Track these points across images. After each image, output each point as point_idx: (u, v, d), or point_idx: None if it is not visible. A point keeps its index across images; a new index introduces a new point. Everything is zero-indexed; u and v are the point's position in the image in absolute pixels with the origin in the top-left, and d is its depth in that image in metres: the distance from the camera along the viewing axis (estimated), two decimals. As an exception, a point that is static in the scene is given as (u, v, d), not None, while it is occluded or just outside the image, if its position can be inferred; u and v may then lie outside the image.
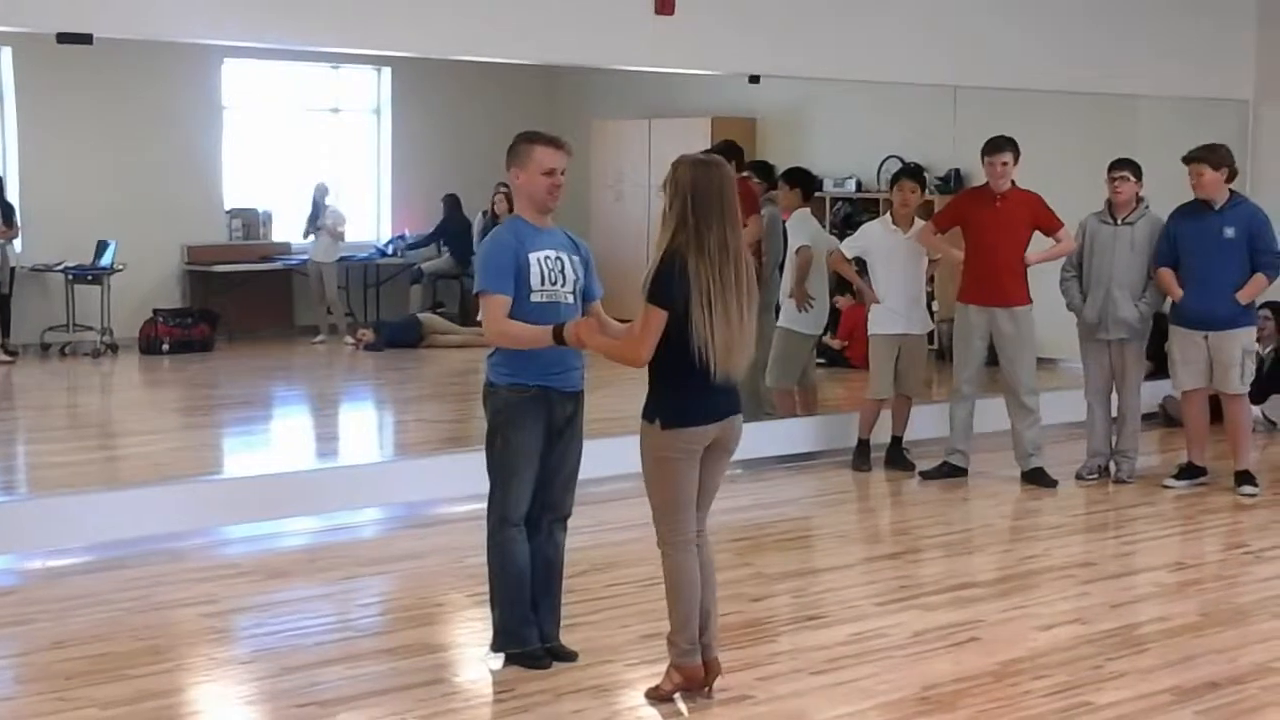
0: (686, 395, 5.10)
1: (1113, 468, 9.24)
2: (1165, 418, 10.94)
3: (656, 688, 5.28)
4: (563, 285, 5.51)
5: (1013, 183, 9.00)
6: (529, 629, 5.62)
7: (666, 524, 5.22)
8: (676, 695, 5.25)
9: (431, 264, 15.78)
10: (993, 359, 9.25)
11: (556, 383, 5.50)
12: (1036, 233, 9.08)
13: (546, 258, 5.48)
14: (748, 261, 5.16)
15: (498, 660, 5.63)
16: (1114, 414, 9.24)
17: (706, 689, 5.28)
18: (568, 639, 5.75)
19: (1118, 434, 9.22)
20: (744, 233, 9.28)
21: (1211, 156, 8.74)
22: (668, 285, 5.02)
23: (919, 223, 9.31)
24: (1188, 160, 8.76)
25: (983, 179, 9.18)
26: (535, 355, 5.42)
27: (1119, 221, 8.97)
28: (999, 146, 8.97)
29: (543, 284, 5.46)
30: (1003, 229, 8.94)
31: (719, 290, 5.01)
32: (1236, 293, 8.66)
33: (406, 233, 16.13)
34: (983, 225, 8.97)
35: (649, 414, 5.15)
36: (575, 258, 5.59)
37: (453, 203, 15.73)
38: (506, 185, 15.82)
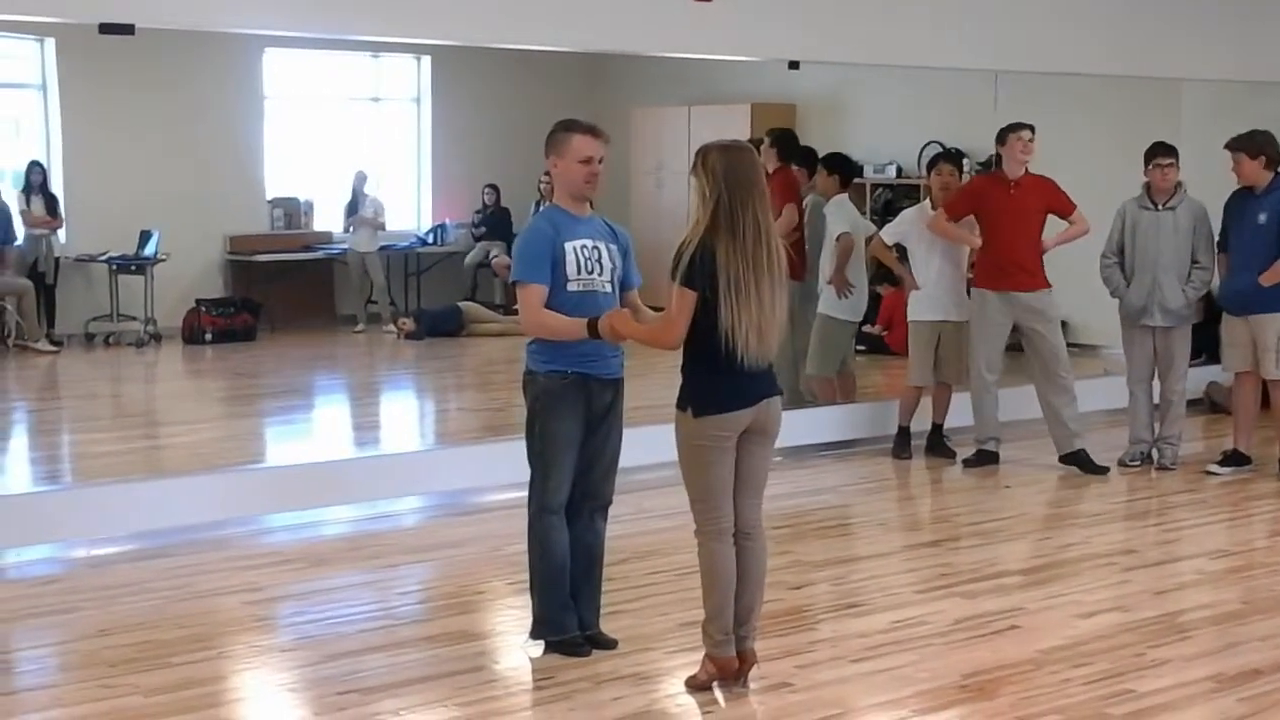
0: (718, 381, 5.08)
1: (1156, 454, 9.19)
2: (1210, 404, 10.88)
3: (693, 677, 5.29)
4: (600, 274, 5.50)
5: (1026, 169, 8.97)
6: (568, 617, 5.63)
7: (701, 512, 5.22)
8: (714, 684, 5.25)
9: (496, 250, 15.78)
10: (1011, 346, 9.23)
11: (594, 369, 5.49)
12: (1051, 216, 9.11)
13: (583, 246, 5.47)
14: (779, 243, 5.13)
15: (537, 648, 5.65)
16: (1156, 400, 9.20)
17: (742, 679, 5.28)
18: (608, 626, 5.76)
19: (1161, 420, 9.17)
20: (780, 221, 9.43)
21: (1248, 144, 8.73)
22: (695, 269, 5.00)
23: (932, 211, 9.27)
24: (1228, 148, 8.74)
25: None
26: (572, 342, 5.42)
27: (1160, 207, 8.93)
28: (1021, 124, 8.97)
29: (579, 273, 5.45)
30: (1019, 215, 8.92)
31: (750, 274, 4.99)
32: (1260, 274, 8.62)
33: (448, 221, 16.17)
34: (998, 212, 8.94)
35: (682, 402, 5.15)
36: (613, 246, 5.58)
37: (494, 191, 15.81)
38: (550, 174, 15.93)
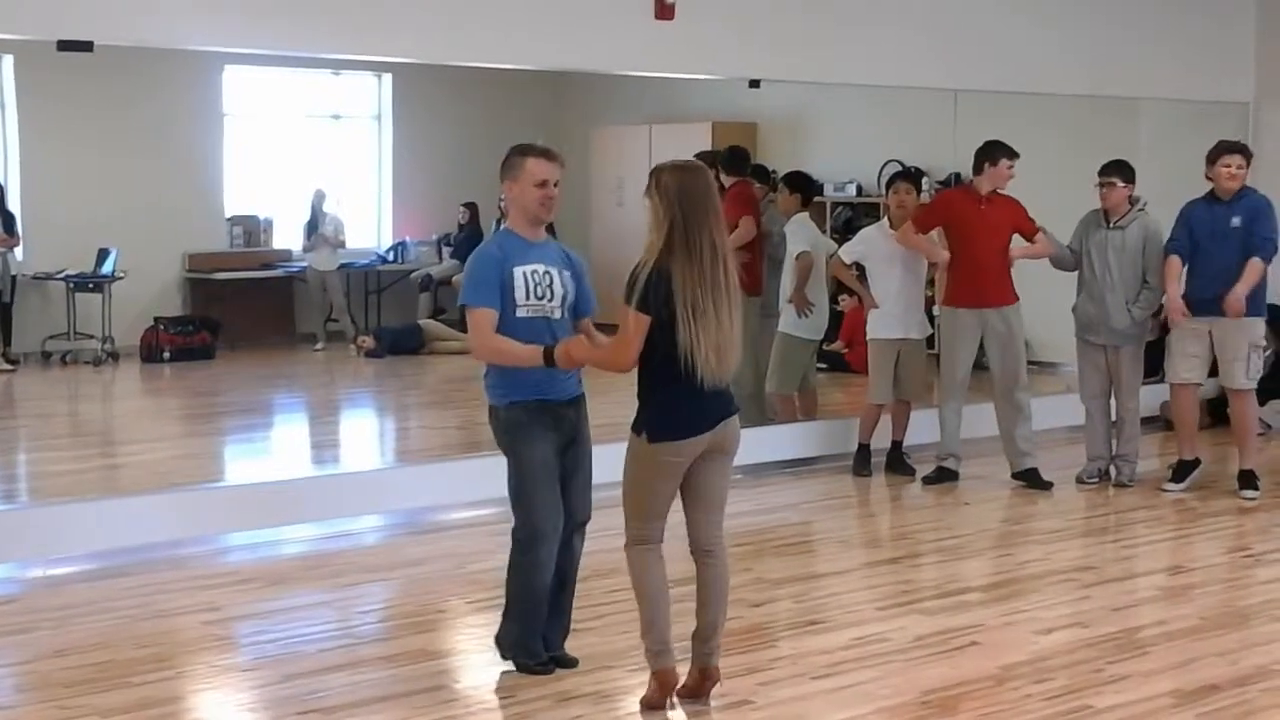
0: (677, 406, 5.05)
1: (1113, 472, 9.23)
2: (1165, 422, 10.93)
3: (644, 696, 5.26)
4: (550, 300, 5.44)
5: (996, 190, 9.04)
6: (539, 643, 5.61)
7: (634, 524, 5.20)
8: (677, 701, 5.23)
9: (438, 269, 15.78)
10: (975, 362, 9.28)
11: (552, 394, 5.45)
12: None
13: (534, 272, 5.42)
14: (733, 263, 5.11)
15: (503, 663, 5.62)
16: (1113, 418, 9.24)
17: (704, 696, 5.27)
18: (569, 644, 5.75)
19: (1117, 438, 9.21)
20: (736, 234, 9.50)
21: (1245, 149, 8.82)
22: (649, 293, 4.98)
23: (891, 230, 9.32)
24: (1234, 151, 8.79)
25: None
26: (526, 371, 5.37)
27: (1110, 225, 8.98)
28: (1012, 150, 9.02)
29: (528, 298, 5.39)
30: (987, 231, 8.98)
31: (707, 293, 4.97)
32: (1232, 276, 8.64)
33: (408, 239, 16.14)
34: (968, 227, 9.00)
35: (637, 426, 5.12)
36: (567, 272, 5.53)
37: (470, 210, 15.79)
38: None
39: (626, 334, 5.05)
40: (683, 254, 4.98)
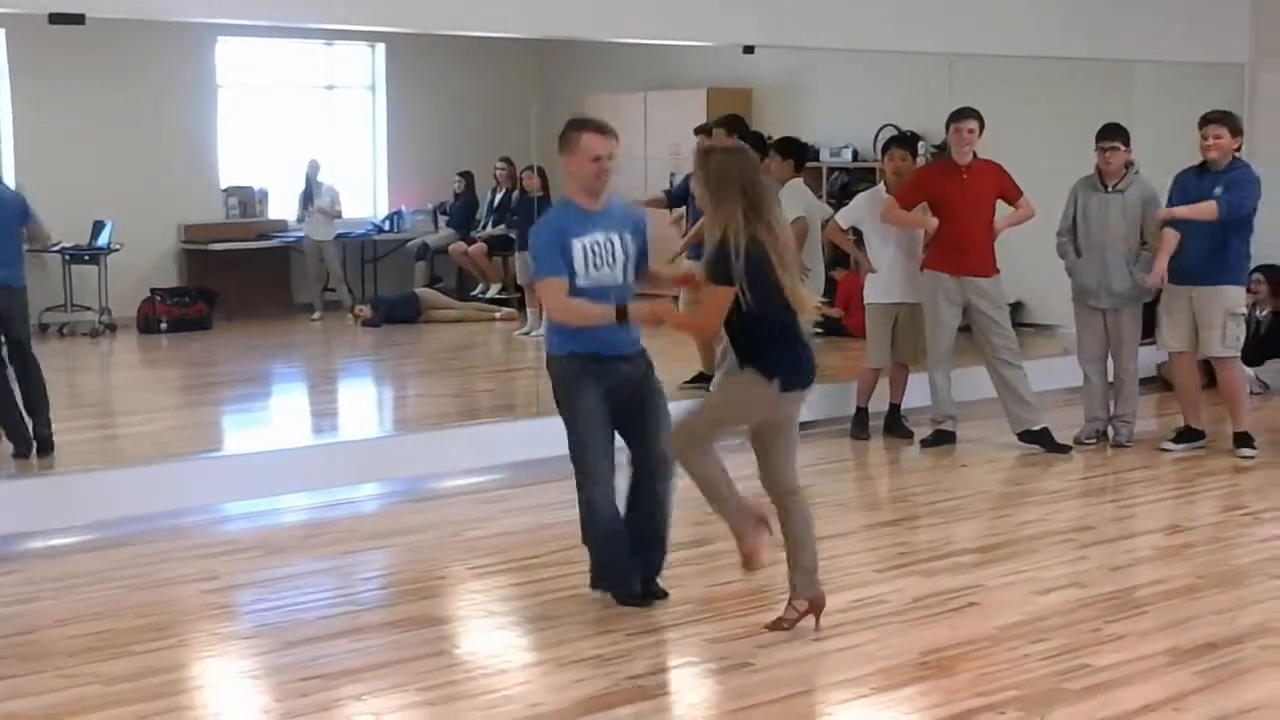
0: (799, 360, 5.55)
1: (1111, 432, 9.25)
2: (1163, 382, 10.95)
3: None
4: (611, 268, 5.71)
5: (974, 153, 9.02)
6: (622, 572, 5.96)
7: (702, 431, 5.66)
8: (670, 668, 5.30)
9: (434, 238, 15.79)
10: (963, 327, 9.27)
11: (607, 349, 5.73)
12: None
13: (594, 244, 5.67)
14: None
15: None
16: (1110, 379, 9.26)
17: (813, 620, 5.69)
18: (569, 608, 5.82)
19: (1115, 399, 9.22)
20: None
21: (1234, 121, 8.76)
22: (728, 264, 5.28)
23: (886, 195, 9.29)
24: (1212, 120, 8.72)
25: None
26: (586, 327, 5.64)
27: (1109, 189, 8.97)
28: (965, 114, 9.01)
29: (588, 271, 5.65)
30: (971, 201, 8.97)
31: (792, 257, 5.40)
32: (1210, 243, 8.61)
33: (404, 208, 16.14)
34: (951, 199, 8.97)
35: (769, 371, 5.48)
36: (627, 233, 5.78)
37: (465, 179, 15.81)
38: (505, 160, 15.85)
39: (716, 304, 5.36)
40: (764, 227, 5.32)
